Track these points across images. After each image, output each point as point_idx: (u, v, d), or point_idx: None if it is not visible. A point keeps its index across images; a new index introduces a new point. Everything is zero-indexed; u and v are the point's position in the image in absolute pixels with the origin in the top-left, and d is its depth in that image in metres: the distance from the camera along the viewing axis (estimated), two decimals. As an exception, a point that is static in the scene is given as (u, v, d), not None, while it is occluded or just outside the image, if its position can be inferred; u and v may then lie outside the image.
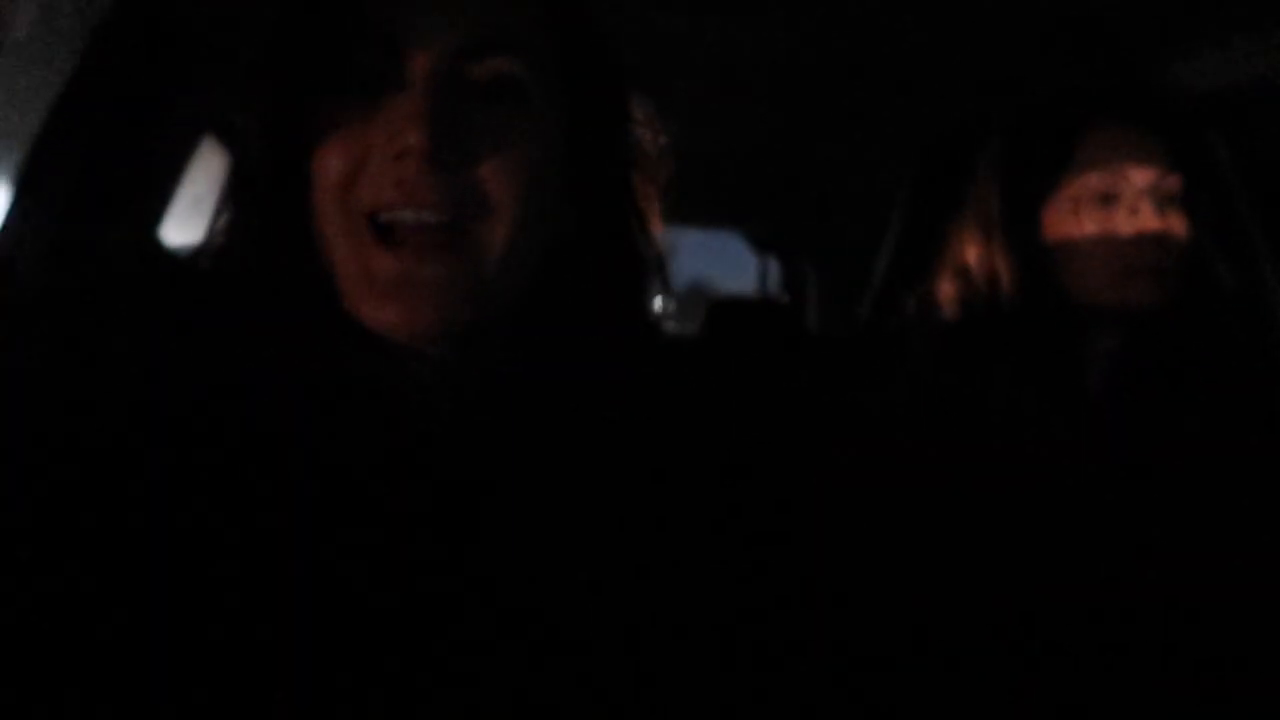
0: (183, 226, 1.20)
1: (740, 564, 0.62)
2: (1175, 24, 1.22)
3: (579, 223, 0.62)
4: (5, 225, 1.02)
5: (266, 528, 0.52)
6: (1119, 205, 1.00)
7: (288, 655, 0.51)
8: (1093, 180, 1.00)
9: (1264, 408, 1.05)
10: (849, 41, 1.31)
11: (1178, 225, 1.00)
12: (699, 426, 0.67)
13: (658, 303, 0.70)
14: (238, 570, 0.51)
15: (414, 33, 0.55)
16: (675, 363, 0.74)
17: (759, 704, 0.60)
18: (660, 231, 0.68)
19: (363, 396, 0.58)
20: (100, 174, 1.08)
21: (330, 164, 0.55)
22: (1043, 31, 1.26)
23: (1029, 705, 0.91)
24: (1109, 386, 1.04)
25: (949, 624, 0.96)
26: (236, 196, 0.60)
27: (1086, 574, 0.96)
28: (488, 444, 0.59)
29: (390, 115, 0.54)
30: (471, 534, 0.57)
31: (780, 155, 2.10)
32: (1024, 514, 0.98)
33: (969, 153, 1.15)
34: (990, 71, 1.38)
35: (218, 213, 0.61)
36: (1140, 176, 0.99)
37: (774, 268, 3.08)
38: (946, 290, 1.12)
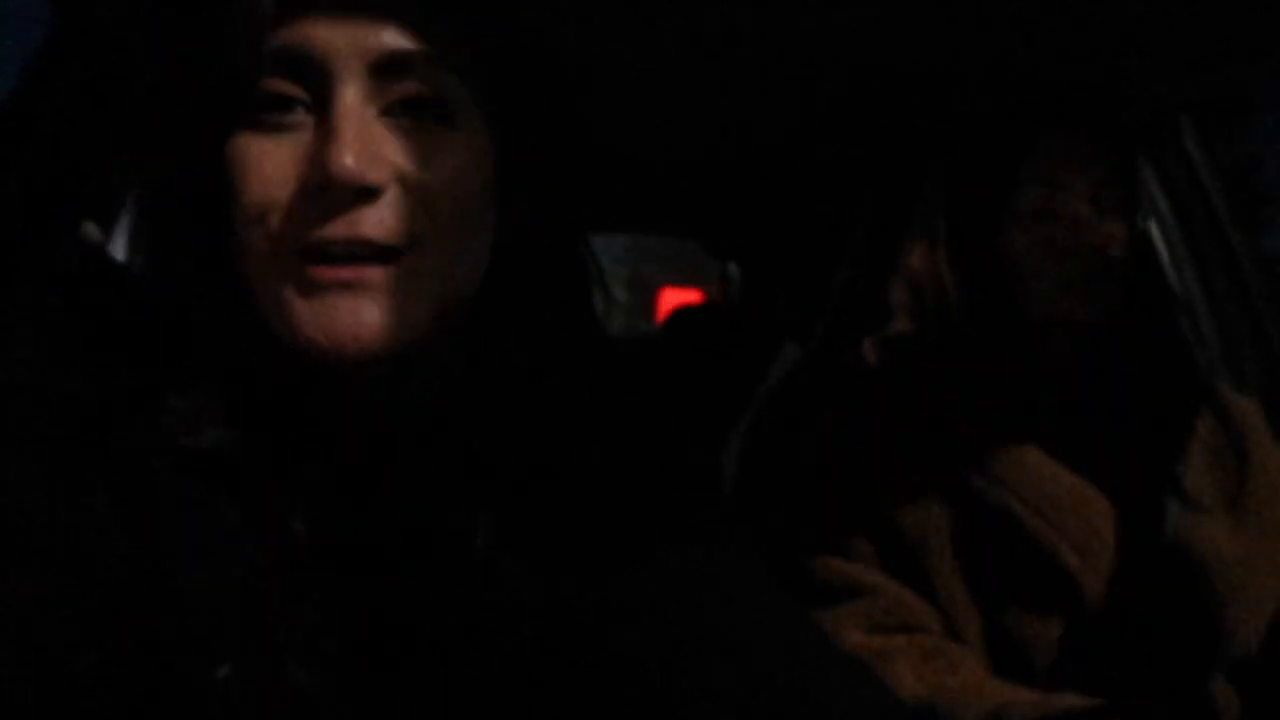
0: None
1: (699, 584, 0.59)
2: (1121, 36, 1.23)
3: (516, 237, 0.60)
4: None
5: (203, 571, 0.51)
6: (1060, 217, 1.00)
7: None
8: (1034, 192, 1.01)
9: (1203, 408, 1.06)
10: (811, 51, 1.31)
11: (1119, 235, 1.01)
12: (657, 434, 0.66)
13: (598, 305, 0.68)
14: (159, 612, 0.49)
15: (329, 55, 0.52)
16: (630, 369, 0.73)
17: None
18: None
19: (299, 428, 0.56)
20: (53, 183, 1.06)
21: (250, 196, 0.52)
22: (996, 44, 1.27)
23: None
24: (1057, 396, 1.05)
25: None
26: (150, 225, 0.58)
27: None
28: (427, 470, 0.57)
29: (308, 142, 0.52)
30: (410, 558, 0.55)
31: (740, 163, 2.09)
32: (979, 516, 0.98)
33: (920, 165, 1.15)
34: (948, 83, 1.39)
35: (133, 238, 0.59)
36: (1081, 188, 1.00)
37: (734, 274, 3.08)
38: (900, 300, 1.12)
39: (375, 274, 0.53)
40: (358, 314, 0.52)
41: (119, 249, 1.16)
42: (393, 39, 0.53)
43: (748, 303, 3.01)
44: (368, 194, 0.51)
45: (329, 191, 0.51)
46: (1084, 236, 0.99)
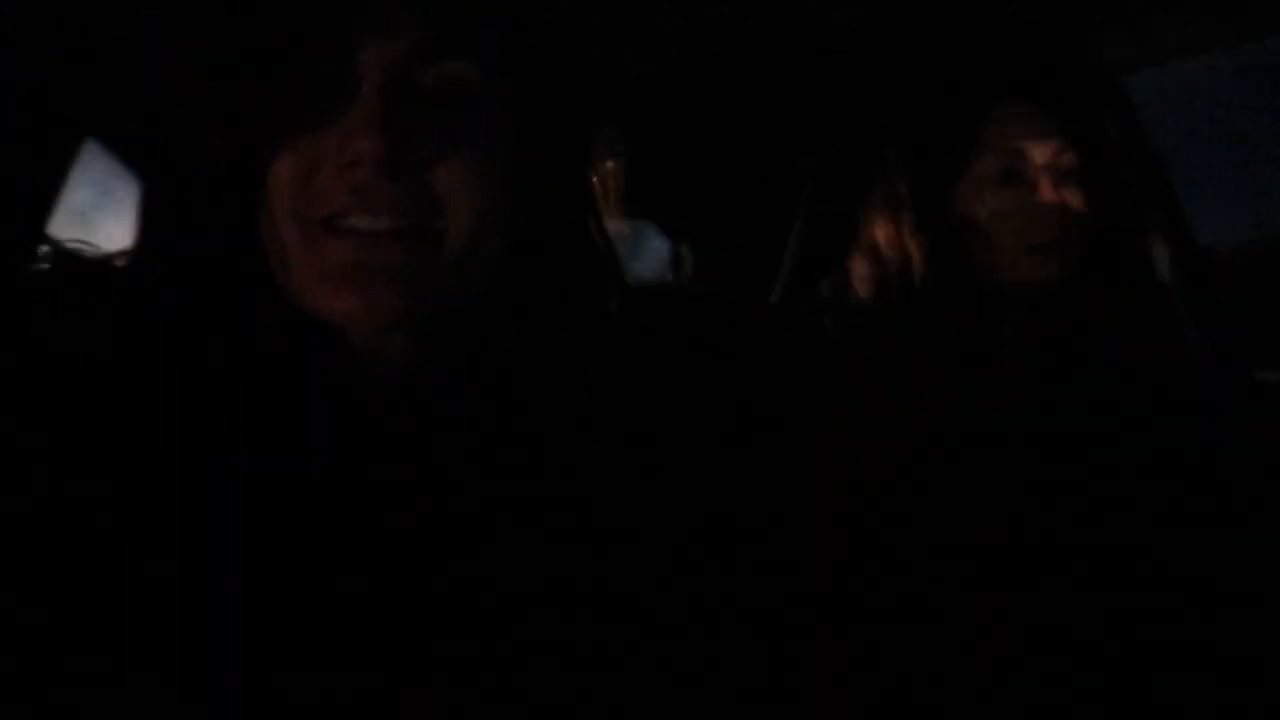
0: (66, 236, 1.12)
1: (702, 551, 0.62)
2: (1071, 5, 1.23)
3: (535, 220, 0.62)
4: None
5: (226, 539, 0.51)
6: (1020, 183, 1.01)
7: (234, 669, 0.50)
8: (994, 160, 1.01)
9: (1160, 377, 1.08)
10: (761, 29, 1.30)
11: (1077, 201, 1.02)
12: (653, 411, 0.67)
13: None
14: (182, 579, 0.50)
15: (365, 37, 0.54)
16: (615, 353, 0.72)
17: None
18: (615, 226, 0.67)
19: (320, 399, 0.57)
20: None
21: (282, 170, 0.54)
22: (945, 15, 1.26)
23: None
24: (1018, 360, 1.05)
25: (875, 595, 0.95)
26: (178, 199, 0.58)
27: (1002, 544, 0.96)
28: (448, 446, 0.58)
29: (342, 121, 0.53)
30: (430, 532, 0.56)
31: (692, 143, 2.08)
32: (941, 486, 0.98)
33: (878, 136, 1.14)
34: (896, 57, 1.38)
35: (149, 215, 0.59)
36: (1039, 154, 1.01)
37: (687, 254, 3.07)
38: (861, 270, 1.11)
39: (396, 252, 0.54)
40: (380, 284, 0.54)
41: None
42: (427, 26, 0.55)
43: (701, 281, 3.00)
44: (393, 173, 0.53)
45: (356, 169, 0.52)
46: (1043, 203, 0.99)
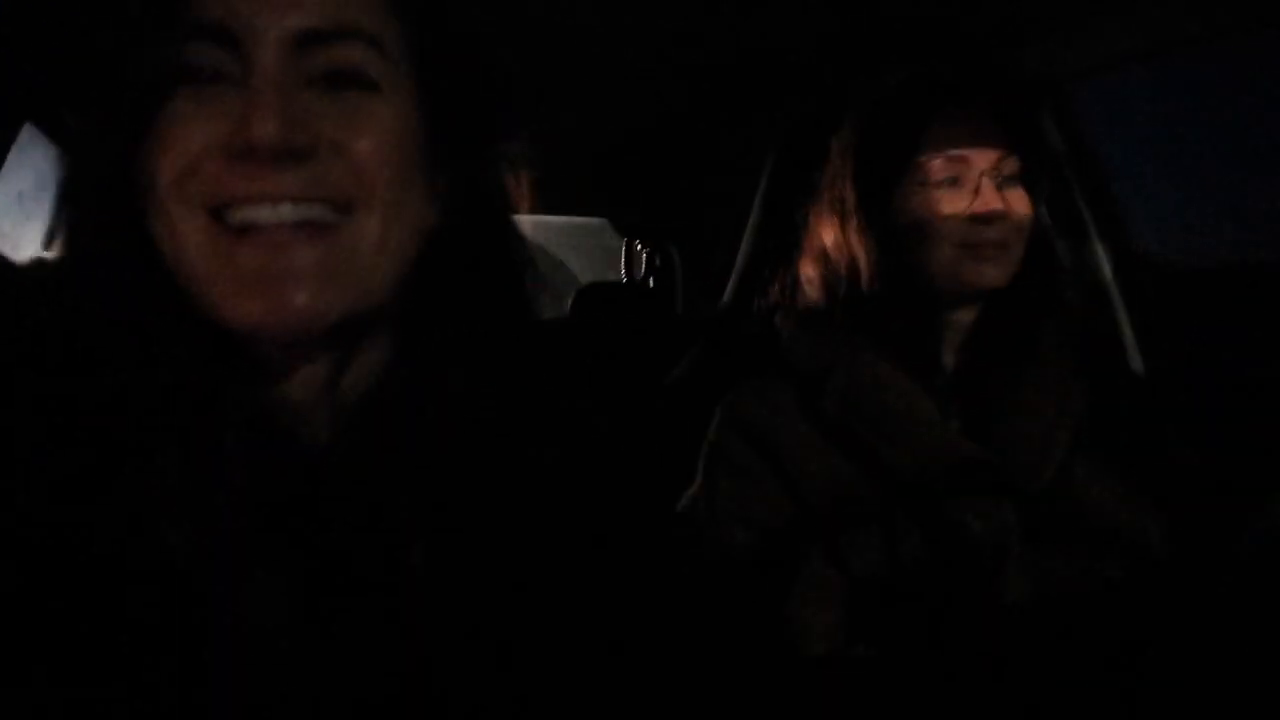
0: (6, 226, 1.09)
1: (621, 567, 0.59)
2: (1011, 13, 1.25)
3: (444, 215, 0.59)
4: None
5: (124, 570, 0.48)
6: (963, 186, 1.01)
7: None
8: (938, 163, 1.01)
9: (1100, 373, 1.09)
10: (713, 31, 1.29)
11: (1019, 204, 1.03)
12: (576, 415, 0.65)
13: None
14: (79, 609, 0.47)
15: (250, 23, 0.51)
16: (547, 348, 0.70)
17: None
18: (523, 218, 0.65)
19: (233, 415, 0.53)
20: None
21: (165, 160, 0.50)
22: (889, 21, 1.27)
23: None
24: (961, 360, 1.05)
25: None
26: (67, 200, 0.55)
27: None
28: (369, 466, 0.55)
29: (231, 109, 0.50)
30: (347, 553, 0.53)
31: (647, 143, 2.07)
32: (884, 486, 0.98)
33: (823, 139, 1.14)
34: (842, 61, 1.39)
35: (54, 218, 0.55)
36: (981, 159, 1.01)
37: (640, 253, 3.07)
38: (809, 273, 1.11)
39: (303, 252, 0.51)
40: (288, 284, 0.50)
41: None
42: (310, 14, 0.52)
43: (653, 279, 2.99)
44: (292, 157, 0.50)
45: (253, 155, 0.49)
46: (988, 206, 1.00)
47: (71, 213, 0.54)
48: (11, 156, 1.09)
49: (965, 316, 1.06)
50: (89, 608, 0.47)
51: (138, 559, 0.48)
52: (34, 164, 1.13)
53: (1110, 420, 1.05)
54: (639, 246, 3.05)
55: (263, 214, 0.50)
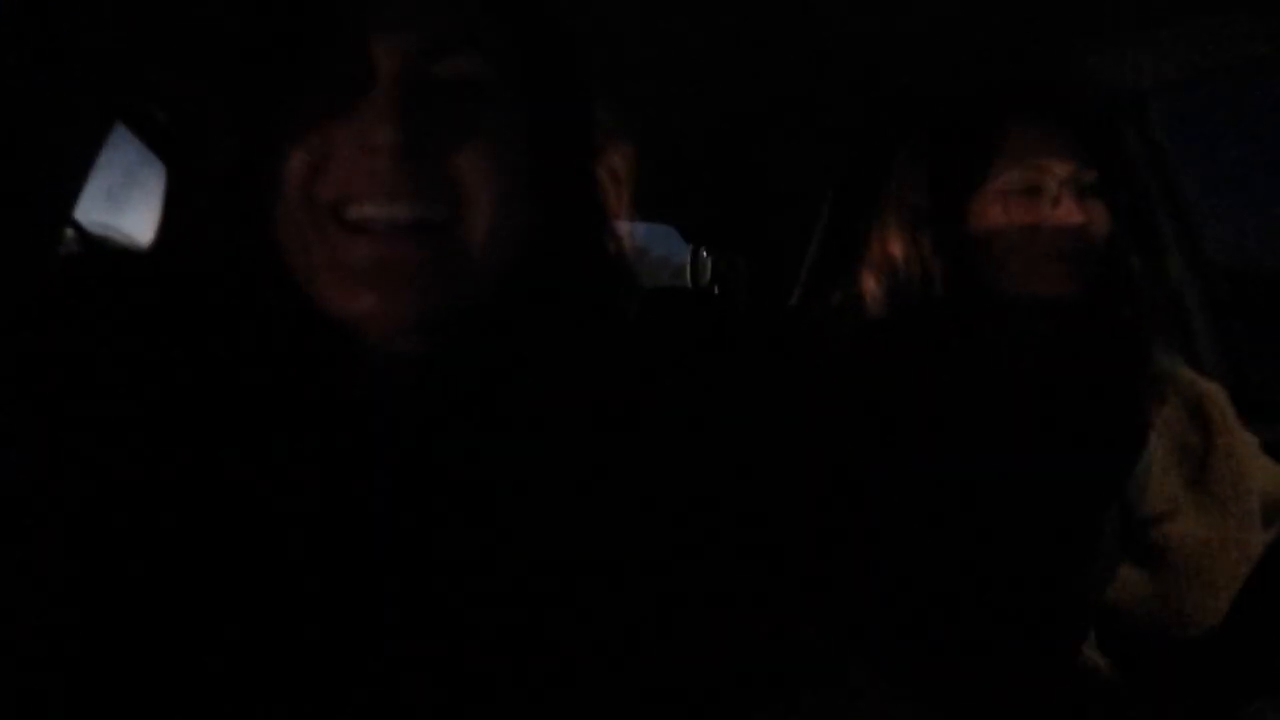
0: (95, 219, 1.13)
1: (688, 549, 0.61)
2: (1084, 21, 1.22)
3: (547, 218, 0.61)
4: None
5: (243, 538, 0.51)
6: (1042, 197, 0.99)
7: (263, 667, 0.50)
8: (1017, 174, 0.99)
9: (1167, 392, 1.06)
10: (782, 37, 1.28)
11: (1098, 216, 1.01)
12: (651, 411, 0.66)
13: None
14: (201, 577, 0.50)
15: (380, 30, 0.54)
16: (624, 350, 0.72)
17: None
18: (626, 225, 0.68)
19: (335, 402, 0.55)
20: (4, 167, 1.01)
21: (294, 159, 0.53)
22: (959, 31, 1.25)
23: None
24: (1033, 373, 1.03)
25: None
26: (192, 193, 0.58)
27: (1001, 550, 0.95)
28: (458, 445, 0.57)
29: (357, 112, 0.53)
30: (438, 529, 0.55)
31: (714, 149, 2.07)
32: (950, 491, 0.96)
33: (891, 147, 1.13)
34: (914, 70, 1.37)
35: (169, 208, 0.60)
36: (1061, 169, 0.99)
37: (706, 259, 3.06)
38: (870, 285, 1.10)
39: (414, 250, 0.53)
40: (396, 283, 0.53)
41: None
42: (441, 21, 0.55)
43: (718, 286, 2.98)
44: (410, 159, 0.52)
45: (372, 156, 0.52)
46: (1064, 217, 0.98)
47: (195, 202, 0.58)
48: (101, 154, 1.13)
49: (1036, 327, 1.03)
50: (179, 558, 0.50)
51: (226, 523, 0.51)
52: (122, 160, 1.17)
53: (1179, 430, 1.03)
54: (705, 254, 3.04)
55: (380, 211, 0.53)
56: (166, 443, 0.51)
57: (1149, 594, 0.97)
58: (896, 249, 1.06)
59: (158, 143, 1.26)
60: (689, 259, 3.04)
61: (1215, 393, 1.08)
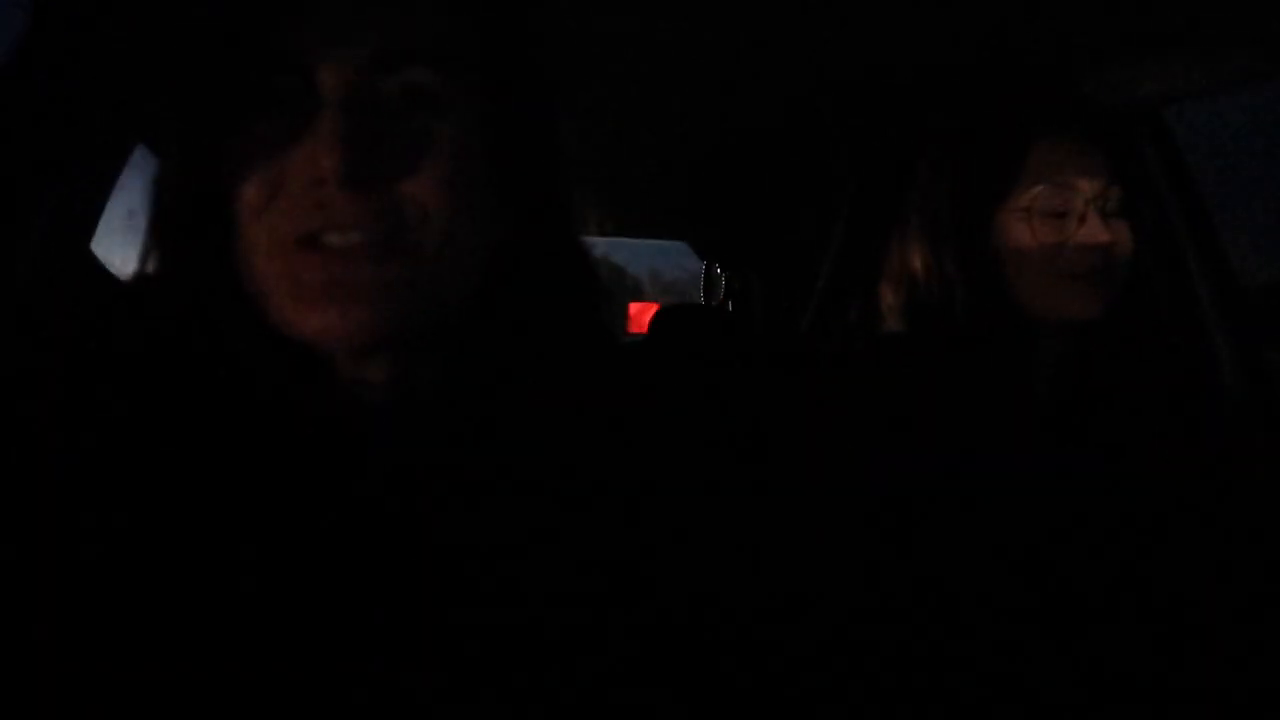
0: (117, 240, 1.12)
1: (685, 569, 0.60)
2: (1103, 38, 1.20)
3: (512, 230, 0.59)
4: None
5: (212, 556, 0.50)
6: (1069, 216, 0.97)
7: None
8: (1043, 191, 0.98)
9: (1194, 410, 1.04)
10: (795, 55, 1.27)
11: (1123, 235, 0.99)
12: (645, 433, 0.65)
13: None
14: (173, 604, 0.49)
15: (322, 50, 0.52)
16: (622, 369, 0.71)
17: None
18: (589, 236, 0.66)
19: (301, 425, 0.55)
20: (24, 188, 1.00)
21: (248, 190, 0.52)
22: (980, 47, 1.23)
23: None
24: (1054, 394, 1.01)
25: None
26: (156, 221, 0.56)
27: (1028, 570, 0.93)
28: (431, 467, 0.56)
29: (305, 137, 0.51)
30: (414, 554, 0.54)
31: (727, 164, 2.06)
32: (972, 513, 0.94)
33: (909, 165, 1.11)
34: (929, 86, 1.35)
35: (146, 235, 0.57)
36: (1088, 187, 0.97)
37: (719, 276, 3.05)
38: (889, 300, 1.08)
39: (369, 268, 0.52)
40: (352, 301, 0.51)
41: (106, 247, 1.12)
42: (387, 34, 0.53)
43: (731, 303, 2.97)
44: (357, 188, 0.51)
45: (324, 185, 0.50)
46: (1093, 235, 0.96)
47: (161, 230, 0.56)
48: (122, 175, 1.13)
49: (1057, 347, 1.01)
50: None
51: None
52: (144, 181, 1.16)
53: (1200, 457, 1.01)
54: (718, 270, 3.04)
55: (334, 239, 0.51)
56: (149, 459, 0.51)
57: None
58: (917, 263, 1.05)
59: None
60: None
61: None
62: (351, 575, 0.53)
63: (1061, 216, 0.97)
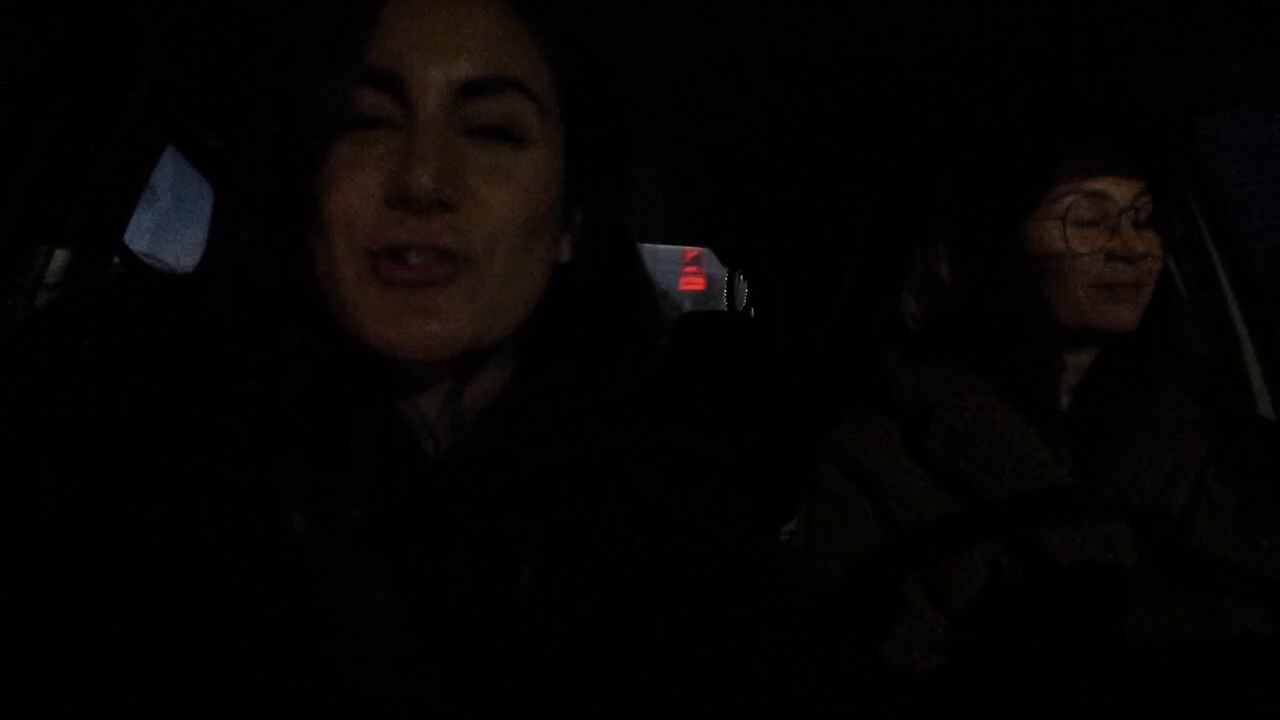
0: (147, 239, 1.14)
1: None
2: (1134, 45, 1.19)
3: (576, 246, 0.62)
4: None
5: (270, 556, 0.52)
6: (1101, 224, 0.95)
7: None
8: (1075, 199, 0.96)
9: (1221, 421, 1.02)
10: (820, 60, 1.27)
11: (1154, 244, 0.97)
12: (683, 442, 0.65)
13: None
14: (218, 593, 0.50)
15: (416, 72, 0.53)
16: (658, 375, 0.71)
17: None
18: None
19: (362, 427, 0.56)
20: (56, 188, 1.01)
21: (334, 203, 0.53)
22: (1008, 52, 1.22)
23: None
24: (1077, 402, 1.00)
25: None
26: (233, 225, 0.57)
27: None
28: (481, 478, 0.57)
29: (393, 155, 0.53)
30: (462, 556, 0.55)
31: (752, 171, 2.05)
32: (989, 524, 0.93)
33: (934, 171, 1.10)
34: (956, 91, 1.34)
35: (214, 237, 0.60)
36: (1121, 197, 0.95)
37: (743, 282, 3.04)
38: (914, 306, 1.07)
39: (444, 279, 0.54)
40: (424, 315, 0.53)
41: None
42: (473, 66, 0.54)
43: (754, 308, 2.96)
44: (443, 207, 0.53)
45: (408, 203, 0.52)
46: (1126, 244, 0.94)
47: (236, 230, 0.57)
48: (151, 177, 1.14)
49: (1084, 357, 0.99)
50: (212, 582, 0.50)
51: (263, 542, 0.52)
52: (171, 183, 1.17)
53: (1237, 469, 0.99)
54: (741, 276, 3.03)
55: (411, 255, 0.53)
56: (176, 470, 0.51)
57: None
58: (943, 271, 1.03)
59: (208, 167, 1.27)
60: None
61: (1265, 423, 1.04)
62: (394, 576, 0.54)
63: (1094, 225, 0.95)
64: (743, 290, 3.02)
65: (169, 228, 1.17)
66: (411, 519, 0.56)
